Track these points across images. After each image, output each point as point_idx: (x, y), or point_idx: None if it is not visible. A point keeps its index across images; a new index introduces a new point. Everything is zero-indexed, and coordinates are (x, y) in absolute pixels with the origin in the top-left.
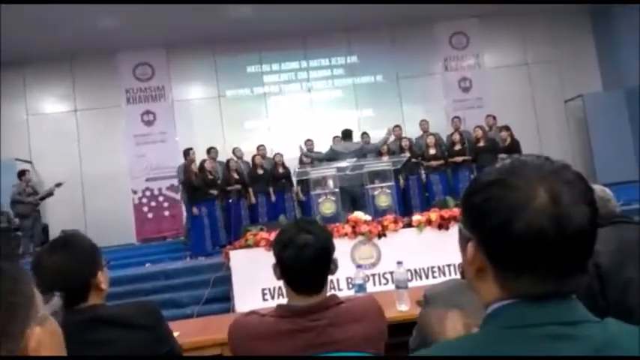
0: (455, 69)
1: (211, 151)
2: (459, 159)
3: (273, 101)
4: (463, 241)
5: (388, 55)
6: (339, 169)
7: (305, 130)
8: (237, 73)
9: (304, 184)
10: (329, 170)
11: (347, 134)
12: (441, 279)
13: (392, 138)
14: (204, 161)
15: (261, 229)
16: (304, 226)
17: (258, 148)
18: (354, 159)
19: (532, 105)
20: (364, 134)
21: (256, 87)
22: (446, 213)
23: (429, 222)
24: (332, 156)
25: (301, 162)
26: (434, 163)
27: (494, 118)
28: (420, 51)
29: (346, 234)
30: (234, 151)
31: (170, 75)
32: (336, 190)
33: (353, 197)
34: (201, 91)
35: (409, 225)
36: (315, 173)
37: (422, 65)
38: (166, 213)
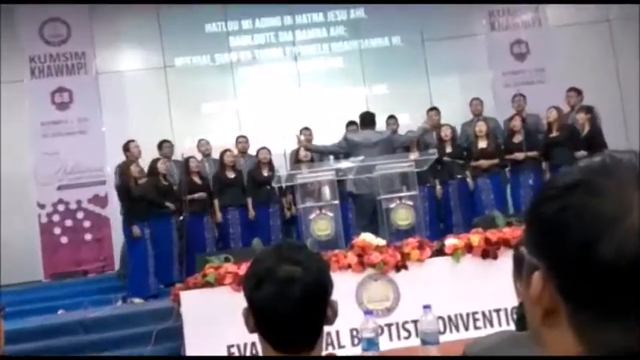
0: (505, 28)
1: (164, 146)
2: (520, 155)
3: (244, 74)
4: (526, 271)
5: (409, 8)
6: (339, 172)
7: (290, 116)
8: (191, 33)
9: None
10: (324, 173)
11: (367, 119)
12: (486, 330)
13: (414, 126)
14: (156, 161)
15: (227, 260)
16: (288, 253)
17: (237, 140)
18: (379, 155)
19: (615, 77)
20: (391, 118)
21: (219, 53)
22: (493, 235)
23: (468, 248)
24: (347, 150)
25: (297, 161)
26: (484, 162)
27: (580, 92)
28: (455, 3)
29: (350, 266)
30: (199, 146)
31: (93, 37)
32: (335, 202)
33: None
34: (139, 59)
35: (440, 252)
36: (302, 177)
37: (457, 23)
38: (88, 236)
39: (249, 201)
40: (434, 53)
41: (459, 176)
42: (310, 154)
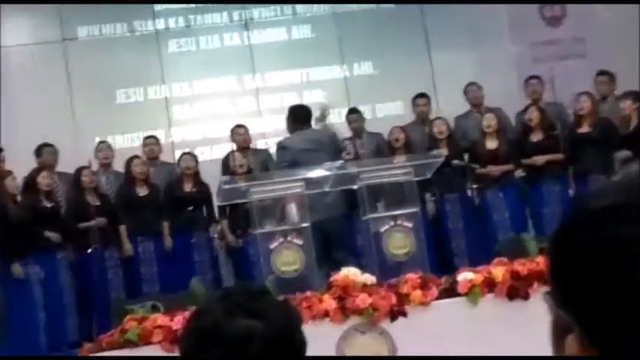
0: None
1: (45, 151)
2: (541, 160)
3: (175, 48)
4: (556, 328)
5: None
6: (309, 182)
7: (239, 107)
8: None
9: (238, 214)
10: (291, 185)
11: (301, 115)
12: None
13: (411, 118)
14: (36, 172)
15: (155, 309)
16: (243, 301)
17: (145, 141)
18: (330, 163)
19: None
20: (353, 112)
21: (139, 20)
22: (522, 266)
23: (490, 285)
24: (285, 159)
25: (229, 172)
26: (494, 168)
27: (613, 78)
28: None
29: (328, 313)
30: (98, 150)
31: None
32: (305, 224)
33: (335, 238)
34: (27, 30)
35: (451, 292)
36: (260, 192)
37: None
38: None
39: (166, 226)
40: (436, 19)
41: (461, 188)
42: (247, 163)
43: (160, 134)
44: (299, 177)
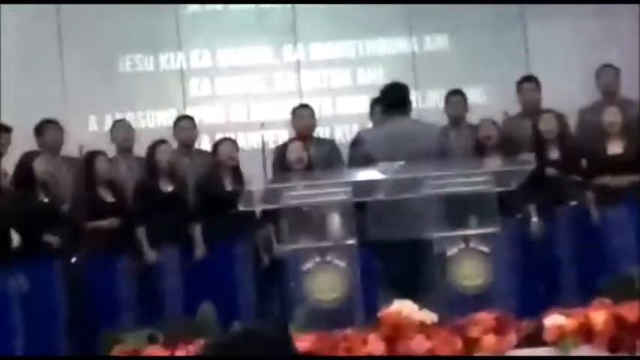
0: None
1: (48, 129)
2: None
3: (196, 6)
4: None
5: None
6: (360, 189)
7: (275, 85)
8: None
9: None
10: (333, 190)
11: (393, 98)
12: None
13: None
14: (30, 157)
15: (152, 340)
16: (250, 350)
17: (179, 123)
18: (386, 164)
19: None
20: (455, 94)
21: None
22: (631, 311)
23: (586, 333)
24: (357, 158)
25: (284, 167)
26: (619, 179)
27: None
28: None
29: (372, 358)
30: (115, 130)
31: None
32: (350, 242)
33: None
34: None
35: (536, 339)
36: (294, 197)
37: None
38: None
39: (198, 232)
40: None
41: (574, 202)
42: (307, 155)
43: (172, 114)
44: (345, 180)
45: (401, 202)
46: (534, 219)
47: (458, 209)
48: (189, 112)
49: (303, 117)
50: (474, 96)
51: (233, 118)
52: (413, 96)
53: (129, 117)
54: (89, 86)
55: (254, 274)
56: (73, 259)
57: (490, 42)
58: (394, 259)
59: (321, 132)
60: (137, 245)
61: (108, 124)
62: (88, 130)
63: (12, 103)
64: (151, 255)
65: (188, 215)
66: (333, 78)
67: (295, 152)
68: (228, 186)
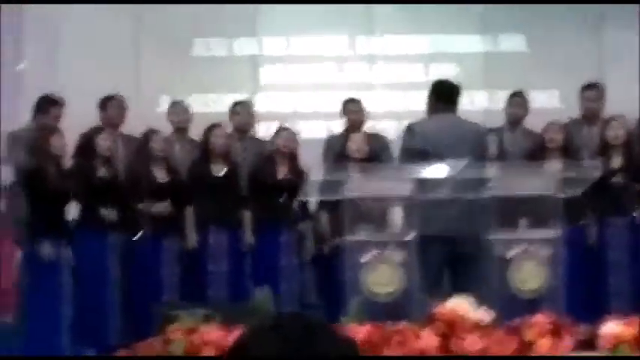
0: None
1: (111, 105)
2: None
3: None
4: None
5: None
6: (422, 184)
7: (347, 76)
8: None
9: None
10: (397, 184)
11: (446, 93)
12: None
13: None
14: (95, 132)
15: (208, 319)
16: (299, 338)
17: (234, 108)
18: (454, 161)
19: None
20: (516, 95)
21: None
22: None
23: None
24: (411, 148)
25: (342, 156)
26: None
27: None
28: None
29: (424, 353)
30: (171, 111)
31: None
32: (409, 237)
33: (456, 257)
34: None
35: (590, 345)
36: (356, 189)
37: None
38: None
39: (248, 218)
40: None
41: (636, 213)
42: (367, 148)
43: (241, 98)
44: (409, 176)
45: (461, 201)
46: (594, 226)
47: (519, 211)
48: (259, 98)
49: (352, 111)
50: (545, 99)
51: (303, 106)
52: (482, 95)
53: (200, 100)
54: (163, 68)
55: (300, 264)
56: (136, 236)
57: (566, 45)
58: (450, 257)
59: (389, 126)
60: (184, 227)
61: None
62: (158, 111)
63: (88, 84)
64: (193, 238)
65: (239, 200)
66: (405, 72)
67: (356, 143)
68: (281, 174)
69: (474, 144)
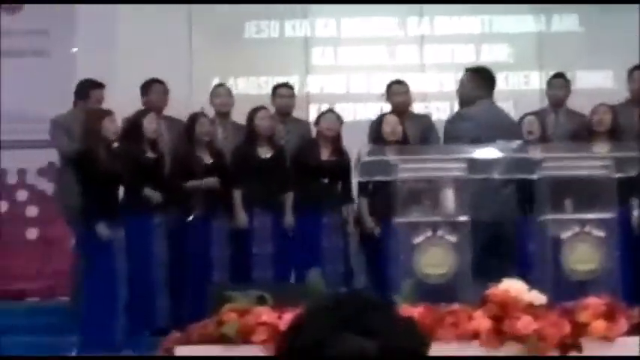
0: None
1: (154, 89)
2: None
3: None
4: None
5: None
6: (474, 165)
7: (397, 58)
8: None
9: (381, 195)
10: (450, 165)
11: (488, 80)
12: None
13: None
14: (142, 114)
15: (261, 301)
16: (355, 314)
17: (276, 90)
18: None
19: None
20: (558, 77)
21: None
22: None
23: None
24: (468, 134)
25: (378, 138)
26: None
27: None
28: None
29: (477, 334)
30: (214, 94)
31: None
32: (463, 219)
33: (504, 242)
34: None
35: None
36: (410, 170)
37: None
38: (32, 233)
39: (290, 198)
40: None
41: None
42: (403, 130)
43: (293, 82)
44: (461, 156)
45: (512, 182)
46: (636, 211)
47: (573, 192)
48: (310, 80)
49: (397, 93)
50: (600, 80)
51: (353, 88)
52: (536, 76)
53: (251, 82)
54: (215, 51)
55: (345, 246)
56: (190, 218)
57: (619, 25)
58: (510, 240)
59: (441, 107)
60: (232, 208)
61: (231, 87)
62: (209, 92)
63: (140, 68)
64: (243, 219)
65: (283, 182)
66: (457, 53)
67: (390, 125)
68: (324, 157)
69: (512, 130)
